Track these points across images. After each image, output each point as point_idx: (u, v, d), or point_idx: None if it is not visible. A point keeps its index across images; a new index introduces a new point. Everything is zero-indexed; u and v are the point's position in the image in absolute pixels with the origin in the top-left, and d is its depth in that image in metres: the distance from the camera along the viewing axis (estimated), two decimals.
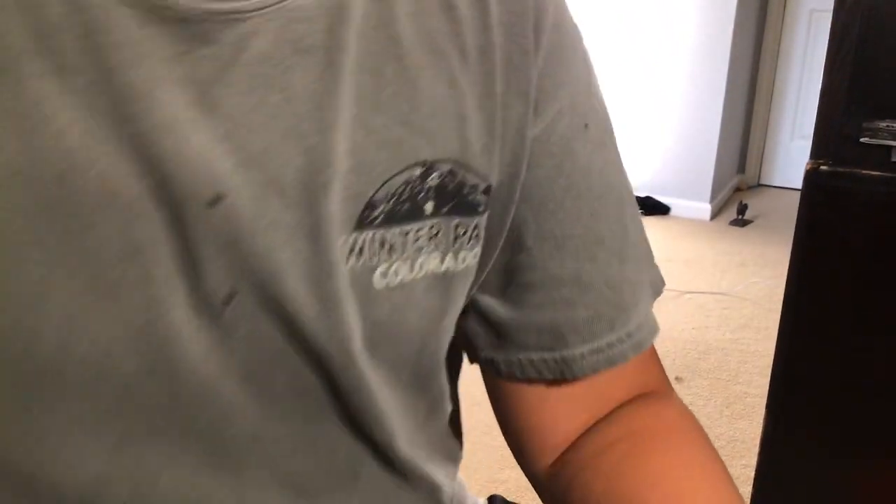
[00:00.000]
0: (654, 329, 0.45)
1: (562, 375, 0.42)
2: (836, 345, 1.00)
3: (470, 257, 0.39)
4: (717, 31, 3.53)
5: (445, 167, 0.36)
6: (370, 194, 0.34)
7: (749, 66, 3.99)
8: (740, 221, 3.68)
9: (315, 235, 0.33)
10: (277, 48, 0.32)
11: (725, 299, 2.80)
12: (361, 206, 0.34)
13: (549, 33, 0.40)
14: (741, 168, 4.30)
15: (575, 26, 0.43)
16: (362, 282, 0.35)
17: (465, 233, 0.38)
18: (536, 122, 0.39)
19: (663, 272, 0.47)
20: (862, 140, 0.92)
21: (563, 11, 0.42)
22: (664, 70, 3.69)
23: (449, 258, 0.38)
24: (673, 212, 3.80)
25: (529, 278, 0.42)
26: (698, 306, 2.74)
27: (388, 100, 0.34)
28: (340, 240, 0.34)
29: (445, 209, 0.37)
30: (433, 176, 0.36)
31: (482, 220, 0.39)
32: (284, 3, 0.32)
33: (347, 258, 0.34)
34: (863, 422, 1.02)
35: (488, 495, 0.61)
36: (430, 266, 0.37)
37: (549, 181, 0.41)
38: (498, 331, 0.43)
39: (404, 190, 0.35)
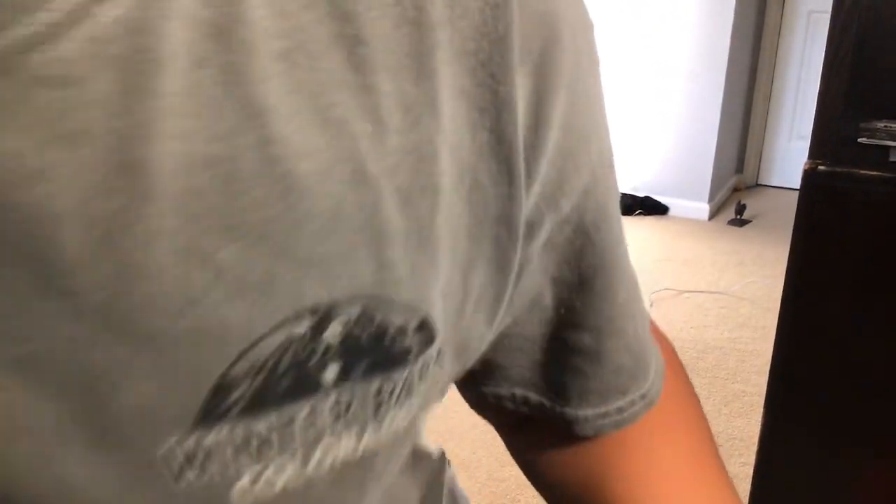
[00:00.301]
0: (662, 373, 0.38)
1: (557, 425, 0.36)
2: (833, 344, 1.01)
3: (402, 415, 0.27)
4: (715, 32, 3.54)
5: (353, 310, 0.23)
6: (219, 371, 0.21)
7: (747, 66, 4.00)
8: (738, 221, 3.69)
9: (102, 444, 0.21)
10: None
11: (723, 298, 2.81)
12: (205, 392, 0.21)
13: (570, 67, 0.27)
14: (739, 168, 4.31)
15: (590, 25, 0.31)
16: (212, 503, 0.23)
17: (392, 392, 0.26)
18: (560, 201, 0.29)
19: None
20: (860, 140, 0.93)
21: (581, 14, 0.29)
22: (663, 70, 3.69)
23: (369, 432, 0.26)
24: (671, 212, 3.81)
25: (535, 346, 0.34)
26: (696, 306, 2.75)
27: (248, 213, 0.20)
28: (163, 447, 0.21)
29: (359, 370, 0.24)
30: (333, 326, 0.23)
31: (417, 366, 0.26)
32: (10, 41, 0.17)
33: (179, 473, 0.22)
34: (860, 420, 1.03)
35: (487, 493, 0.61)
36: (340, 453, 0.25)
37: (576, 261, 0.31)
38: (485, 364, 0.34)
39: (283, 356, 0.22)
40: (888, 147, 0.92)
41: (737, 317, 2.66)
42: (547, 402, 0.35)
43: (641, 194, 3.82)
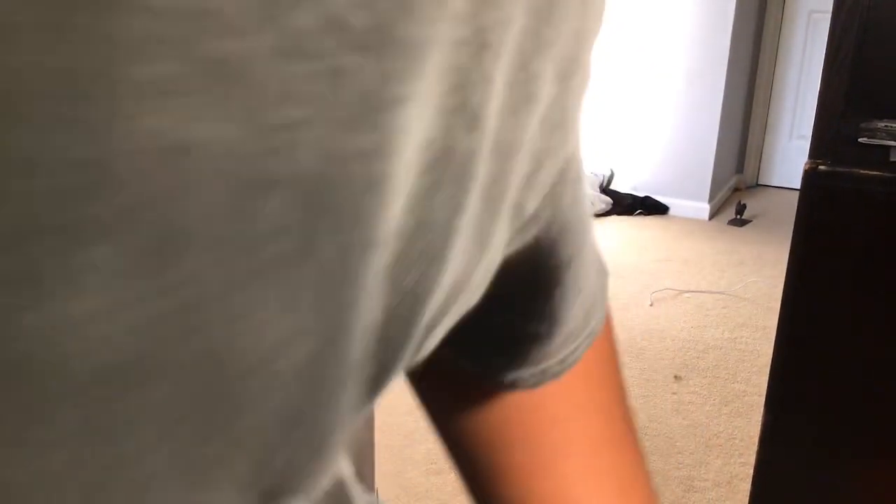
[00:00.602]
0: (606, 308, 0.33)
1: (482, 381, 0.31)
2: (834, 343, 1.01)
3: None
4: (715, 32, 3.54)
5: None
6: None
7: (748, 66, 4.00)
8: (739, 221, 3.69)
9: None
10: None
11: (724, 298, 2.81)
12: None
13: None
14: (740, 168, 4.31)
15: None
16: None
17: None
18: (526, 204, 0.21)
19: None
20: (860, 140, 0.93)
21: None
22: (663, 70, 3.69)
23: None
24: (672, 211, 3.81)
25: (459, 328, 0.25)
26: (697, 305, 2.75)
27: None
28: None
29: None
30: None
31: None
32: None
33: None
34: (860, 420, 1.03)
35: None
36: None
37: (541, 263, 0.25)
38: None
39: None
40: (888, 147, 0.92)
41: (737, 317, 2.66)
42: (475, 368, 0.30)
43: (642, 194, 3.82)
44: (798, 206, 0.98)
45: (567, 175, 0.23)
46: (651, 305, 2.71)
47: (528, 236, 0.23)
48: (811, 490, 1.08)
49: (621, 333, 2.50)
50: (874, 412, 1.01)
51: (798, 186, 0.99)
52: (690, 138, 3.72)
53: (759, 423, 1.10)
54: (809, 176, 0.96)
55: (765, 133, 4.28)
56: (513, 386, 0.31)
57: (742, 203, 3.73)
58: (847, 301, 0.99)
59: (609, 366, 0.35)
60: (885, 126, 0.91)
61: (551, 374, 0.31)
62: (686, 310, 2.70)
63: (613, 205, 3.75)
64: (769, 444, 1.08)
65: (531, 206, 0.21)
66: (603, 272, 0.31)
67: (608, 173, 3.89)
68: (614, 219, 3.71)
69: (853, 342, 1.00)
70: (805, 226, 0.98)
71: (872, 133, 0.92)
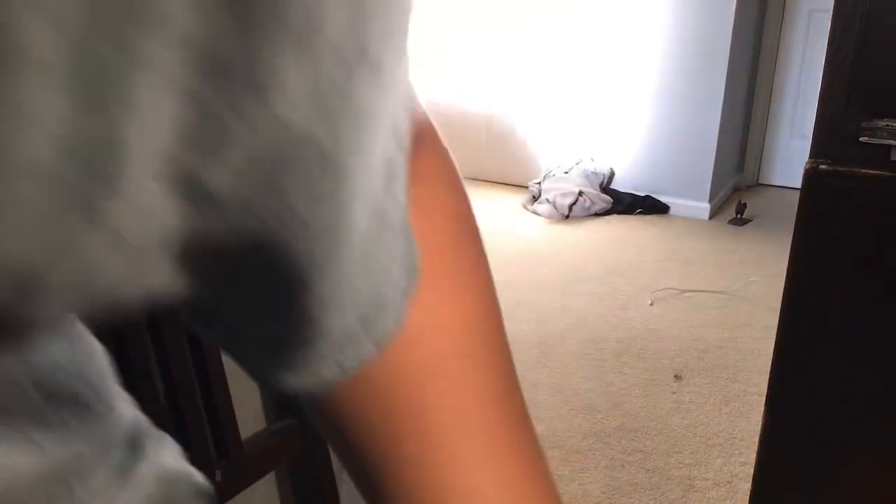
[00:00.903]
0: (417, 258, 0.27)
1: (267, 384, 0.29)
2: (834, 343, 1.01)
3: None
4: (716, 31, 3.54)
5: None
6: None
7: (748, 65, 3.99)
8: (739, 221, 3.68)
9: None
10: None
11: (724, 298, 2.81)
12: None
13: None
14: (740, 167, 4.31)
15: None
16: None
17: None
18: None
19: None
20: (861, 139, 0.93)
21: None
22: (663, 70, 3.69)
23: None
24: (672, 211, 3.81)
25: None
26: (697, 305, 2.74)
27: None
28: None
29: None
30: None
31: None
32: None
33: None
34: (860, 420, 1.02)
35: None
36: None
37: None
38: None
39: None
40: (889, 146, 0.92)
41: (737, 316, 2.66)
42: (248, 369, 0.28)
43: (642, 193, 3.82)
44: (798, 206, 0.98)
45: (298, 165, 0.19)
46: (651, 305, 2.71)
47: (233, 220, 0.19)
48: (811, 490, 1.08)
49: (621, 333, 2.50)
50: (874, 412, 1.01)
51: (799, 186, 0.99)
52: (691, 138, 3.72)
53: (760, 423, 1.09)
54: (810, 175, 0.96)
55: (765, 132, 4.28)
56: (293, 389, 0.27)
57: (742, 202, 3.73)
58: (848, 300, 0.99)
59: (494, 336, 0.30)
60: (886, 125, 0.91)
61: (331, 377, 0.27)
62: (686, 309, 2.70)
63: (613, 204, 3.75)
64: (769, 444, 1.08)
65: (216, 180, 0.17)
66: (407, 271, 0.26)
67: (608, 172, 3.89)
68: (614, 218, 3.71)
69: (853, 342, 1.00)
70: (805, 225, 0.98)
71: (873, 132, 0.92)
